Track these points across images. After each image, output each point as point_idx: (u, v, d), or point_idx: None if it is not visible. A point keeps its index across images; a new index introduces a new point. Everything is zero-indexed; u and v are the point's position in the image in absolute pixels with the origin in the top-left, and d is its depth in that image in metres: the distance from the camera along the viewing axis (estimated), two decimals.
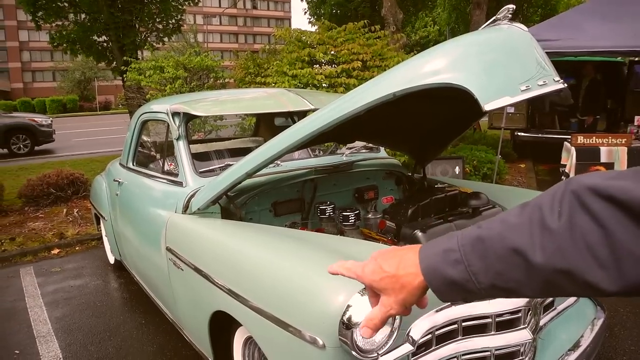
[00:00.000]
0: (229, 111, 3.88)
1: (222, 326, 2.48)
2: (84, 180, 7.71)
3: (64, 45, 13.12)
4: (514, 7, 1.96)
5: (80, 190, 7.56)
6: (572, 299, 2.83)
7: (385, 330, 1.74)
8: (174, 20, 13.94)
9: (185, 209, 2.82)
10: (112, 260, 4.94)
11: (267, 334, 1.98)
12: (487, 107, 1.71)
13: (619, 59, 9.39)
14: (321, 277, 1.87)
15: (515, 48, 1.89)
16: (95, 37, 13.11)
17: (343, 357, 1.72)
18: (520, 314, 2.15)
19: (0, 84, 50.17)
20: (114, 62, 13.18)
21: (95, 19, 12.48)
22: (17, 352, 3.48)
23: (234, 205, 2.73)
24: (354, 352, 1.69)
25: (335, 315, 1.67)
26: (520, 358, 2.20)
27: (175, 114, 3.16)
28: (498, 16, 1.93)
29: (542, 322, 2.52)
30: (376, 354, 1.75)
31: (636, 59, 8.99)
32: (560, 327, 2.61)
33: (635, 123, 7.27)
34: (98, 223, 5.22)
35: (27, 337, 3.69)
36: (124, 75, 8.70)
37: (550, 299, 2.63)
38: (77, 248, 5.78)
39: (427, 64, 1.92)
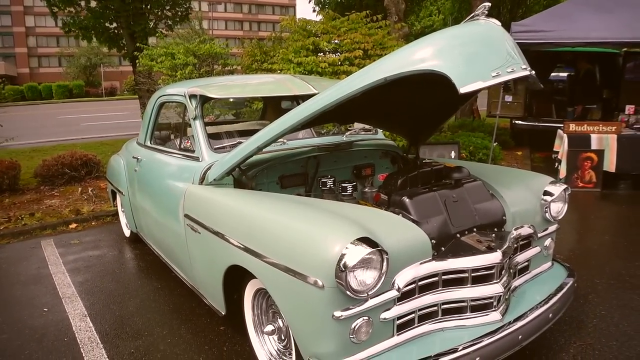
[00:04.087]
0: (241, 94, 4.20)
1: (234, 284, 2.84)
2: (97, 161, 8.06)
3: (76, 31, 13.42)
4: (490, 4, 2.28)
5: (94, 170, 7.90)
6: (546, 265, 3.17)
7: (374, 274, 2.09)
8: (182, 8, 14.23)
9: (202, 180, 3.17)
10: (127, 233, 5.31)
11: (277, 280, 2.33)
12: (462, 90, 2.04)
13: (615, 50, 9.61)
14: (322, 231, 2.23)
15: (490, 40, 2.22)
16: (106, 24, 13.41)
17: (339, 296, 2.07)
18: (493, 270, 2.49)
19: (7, 69, 50.44)
20: (125, 49, 13.48)
21: (106, 6, 12.78)
22: (45, 310, 3.85)
23: (246, 177, 3.07)
24: (348, 292, 2.04)
25: (333, 261, 2.02)
26: (494, 309, 2.54)
27: (192, 96, 3.50)
28: (476, 12, 2.26)
29: (517, 283, 2.87)
30: (366, 295, 2.10)
31: (631, 50, 9.26)
32: (534, 289, 2.94)
33: (627, 112, 7.55)
34: (114, 199, 5.58)
35: (53, 297, 4.06)
36: (137, 61, 8.99)
37: (526, 262, 2.97)
38: (93, 223, 6.15)
39: (415, 53, 2.24)
